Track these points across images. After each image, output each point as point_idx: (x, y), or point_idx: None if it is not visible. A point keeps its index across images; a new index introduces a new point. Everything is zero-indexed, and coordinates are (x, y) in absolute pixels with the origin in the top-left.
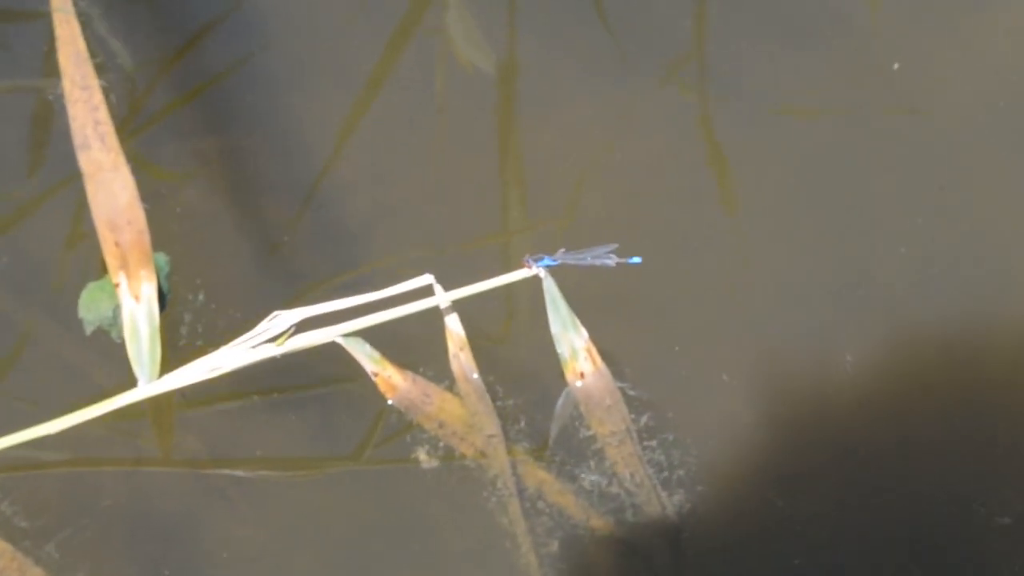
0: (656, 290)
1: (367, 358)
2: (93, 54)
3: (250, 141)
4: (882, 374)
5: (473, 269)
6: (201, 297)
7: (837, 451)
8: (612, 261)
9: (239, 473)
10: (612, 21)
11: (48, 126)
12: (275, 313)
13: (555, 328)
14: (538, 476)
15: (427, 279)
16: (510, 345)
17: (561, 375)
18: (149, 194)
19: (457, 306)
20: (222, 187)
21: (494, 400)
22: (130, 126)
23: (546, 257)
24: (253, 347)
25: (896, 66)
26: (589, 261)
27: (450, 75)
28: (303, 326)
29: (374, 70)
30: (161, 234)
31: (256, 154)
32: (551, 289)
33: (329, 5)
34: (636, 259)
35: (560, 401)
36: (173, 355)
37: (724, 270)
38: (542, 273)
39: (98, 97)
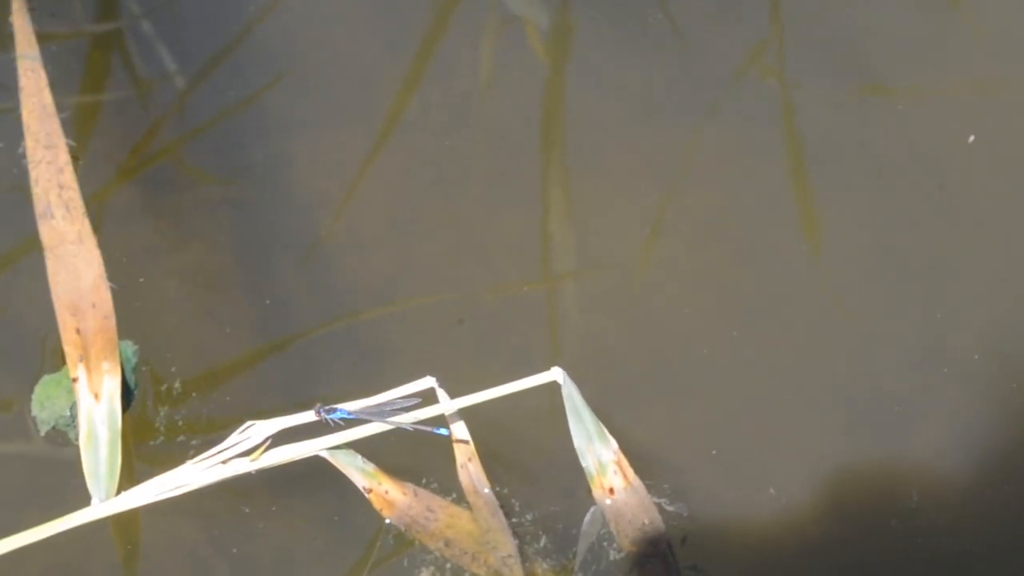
0: (692, 381)
1: (359, 472)
2: (62, 107)
3: (239, 192)
4: (950, 501)
5: (491, 350)
6: (178, 386)
7: None
8: (409, 421)
9: None
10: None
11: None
12: (249, 423)
13: (578, 441)
14: None
15: (429, 382)
16: (527, 452)
17: (588, 485)
18: (115, 267)
19: (465, 409)
20: (200, 252)
21: (509, 516)
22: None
23: (340, 408)
24: (224, 462)
25: (971, 139)
26: (385, 419)
27: (481, 117)
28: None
29: (392, 107)
30: (127, 312)
31: (246, 207)
32: (573, 397)
33: (343, 35)
34: (443, 430)
35: (587, 519)
36: (146, 457)
37: (781, 352)
38: (331, 423)
39: (64, 158)
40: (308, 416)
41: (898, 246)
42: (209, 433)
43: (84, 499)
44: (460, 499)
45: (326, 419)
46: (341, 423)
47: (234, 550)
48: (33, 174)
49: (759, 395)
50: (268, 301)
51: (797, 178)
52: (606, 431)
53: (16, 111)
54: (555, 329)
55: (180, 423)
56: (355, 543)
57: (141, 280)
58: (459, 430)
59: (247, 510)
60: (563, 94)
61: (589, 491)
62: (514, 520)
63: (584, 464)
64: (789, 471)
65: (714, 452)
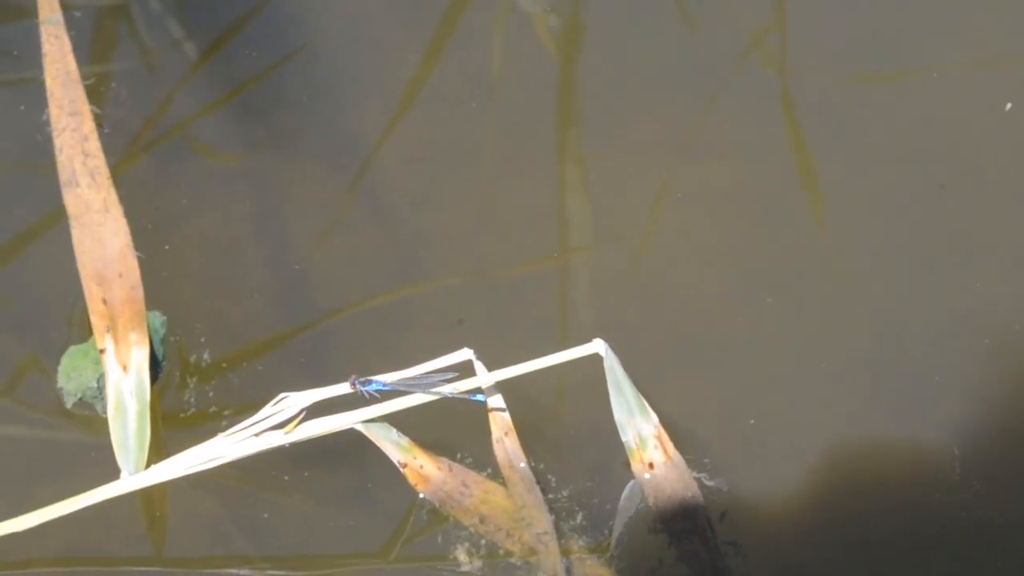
0: (730, 348)
1: (394, 446)
2: (85, 75)
3: (258, 161)
4: (991, 473)
5: (519, 318)
6: (207, 356)
7: (948, 557)
8: (448, 392)
9: (244, 573)
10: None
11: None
12: (282, 395)
13: (619, 414)
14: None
15: (466, 354)
16: (561, 426)
17: (626, 460)
18: (141, 235)
19: (501, 383)
20: (223, 218)
21: (545, 492)
22: (134, 148)
23: (376, 380)
24: (257, 434)
25: (1009, 106)
26: (424, 391)
27: (501, 85)
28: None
29: (414, 76)
30: (154, 281)
31: (271, 174)
32: (614, 369)
33: (359, 6)
34: (480, 397)
35: (625, 493)
36: (175, 430)
37: (813, 319)
38: (367, 395)
39: (89, 125)
40: (343, 388)
41: (933, 215)
42: (240, 405)
43: (109, 472)
44: (495, 475)
45: (361, 391)
46: (377, 395)
47: (265, 515)
48: (57, 142)
49: (791, 367)
50: (297, 267)
51: (799, 155)
52: (647, 404)
53: (39, 77)
54: (577, 303)
55: (210, 395)
56: (385, 519)
57: (167, 248)
58: (496, 404)
59: (275, 482)
60: (576, 69)
61: (626, 465)
62: (550, 496)
63: (624, 438)
64: (827, 444)
65: (752, 422)
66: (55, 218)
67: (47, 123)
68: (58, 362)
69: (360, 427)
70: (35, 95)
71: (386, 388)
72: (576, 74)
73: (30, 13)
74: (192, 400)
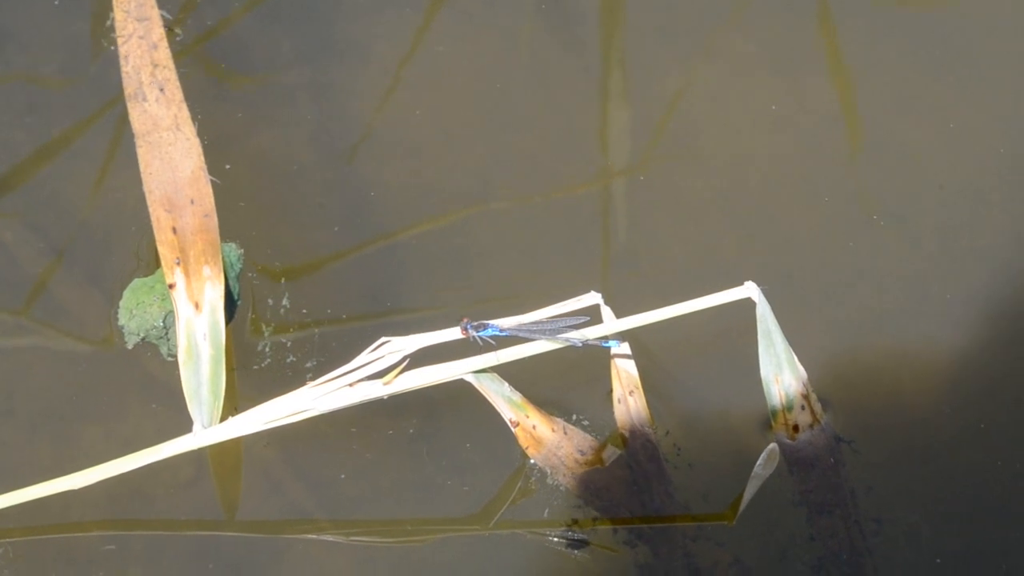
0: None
1: (505, 402)
2: None
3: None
4: None
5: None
6: (286, 301)
7: None
8: (578, 342)
9: (328, 539)
10: None
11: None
12: (383, 339)
13: (766, 369)
14: (714, 556)
15: (594, 298)
16: (692, 383)
17: (764, 426)
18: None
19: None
20: (308, 142)
21: (666, 457)
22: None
23: (491, 325)
24: (351, 384)
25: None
26: (547, 336)
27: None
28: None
29: None
30: (227, 213)
31: (350, 87)
32: (766, 318)
33: None
34: (613, 342)
35: (761, 459)
36: (247, 382)
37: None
38: (480, 342)
39: (158, 32)
40: (453, 333)
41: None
42: (325, 357)
43: (167, 415)
44: (614, 440)
45: (474, 336)
46: (491, 342)
47: (342, 476)
48: (122, 50)
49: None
50: (373, 193)
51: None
52: (797, 360)
53: None
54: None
55: (288, 344)
56: (487, 483)
57: (227, 167)
58: (622, 356)
59: (359, 437)
60: None
61: (765, 428)
62: (669, 462)
63: (769, 397)
64: (982, 404)
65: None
66: (119, 136)
67: (112, 29)
68: (119, 297)
69: (470, 378)
70: None
71: (502, 334)
72: None
73: None
74: (267, 350)
